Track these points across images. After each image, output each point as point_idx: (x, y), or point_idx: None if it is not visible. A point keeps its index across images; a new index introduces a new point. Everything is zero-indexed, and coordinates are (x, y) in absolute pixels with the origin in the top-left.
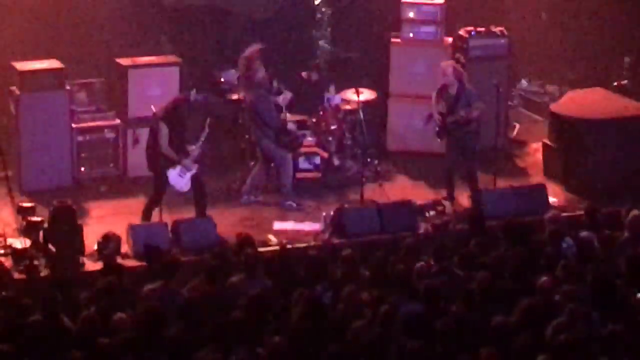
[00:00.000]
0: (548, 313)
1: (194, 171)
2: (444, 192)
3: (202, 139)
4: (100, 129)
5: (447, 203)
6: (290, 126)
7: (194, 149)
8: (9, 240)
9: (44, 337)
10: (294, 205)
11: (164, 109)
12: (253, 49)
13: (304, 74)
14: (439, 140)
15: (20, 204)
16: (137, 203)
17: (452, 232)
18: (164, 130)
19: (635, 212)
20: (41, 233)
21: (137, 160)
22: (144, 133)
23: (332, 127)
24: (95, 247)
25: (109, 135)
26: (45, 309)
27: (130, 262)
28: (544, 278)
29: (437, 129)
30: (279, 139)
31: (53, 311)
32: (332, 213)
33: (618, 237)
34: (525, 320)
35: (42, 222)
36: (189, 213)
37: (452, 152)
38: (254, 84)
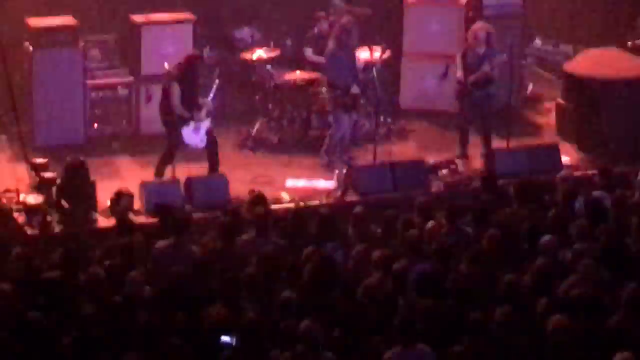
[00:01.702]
0: (559, 272)
1: (207, 125)
2: (456, 151)
3: (213, 91)
4: (113, 86)
5: (460, 161)
6: (354, 89)
7: (206, 102)
8: (22, 197)
9: (61, 293)
10: (326, 159)
11: (177, 67)
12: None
13: (316, 29)
14: (457, 101)
15: (34, 160)
16: (150, 160)
17: (464, 191)
18: (176, 89)
19: None
20: (54, 189)
21: (149, 117)
22: (157, 90)
23: None
24: (108, 203)
25: (122, 92)
26: (63, 265)
27: (143, 219)
28: (547, 237)
29: (457, 90)
30: (338, 97)
31: (70, 267)
32: (345, 171)
33: (630, 197)
34: (538, 281)
35: (55, 178)
36: (202, 170)
37: (469, 112)
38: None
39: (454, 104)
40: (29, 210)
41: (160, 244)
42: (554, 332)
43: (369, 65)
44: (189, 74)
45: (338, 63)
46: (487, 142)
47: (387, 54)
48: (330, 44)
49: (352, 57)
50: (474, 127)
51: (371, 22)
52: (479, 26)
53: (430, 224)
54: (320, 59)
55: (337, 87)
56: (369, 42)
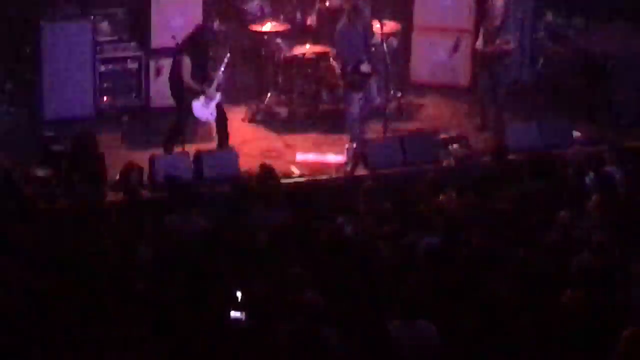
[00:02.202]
0: (571, 247)
1: (217, 99)
2: (467, 125)
3: (224, 65)
4: (122, 59)
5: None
6: (364, 68)
7: (216, 76)
8: (32, 169)
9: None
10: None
11: (186, 39)
12: None
13: (327, 3)
14: (476, 71)
15: (43, 133)
16: (160, 133)
17: (475, 165)
18: (186, 62)
19: None
20: (63, 163)
21: (159, 90)
22: (166, 64)
23: None
24: (117, 177)
25: (132, 65)
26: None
27: (152, 193)
28: (562, 212)
29: (476, 60)
30: (348, 75)
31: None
32: (354, 145)
33: None
34: (549, 255)
35: (64, 151)
36: (211, 144)
37: (486, 84)
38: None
39: (465, 77)
40: (38, 183)
41: (170, 217)
42: (566, 306)
43: (380, 39)
44: (199, 46)
45: (348, 40)
46: (499, 114)
47: (390, 27)
48: (341, 22)
49: (363, 35)
50: (488, 99)
51: None
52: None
53: (440, 197)
54: None
55: (347, 65)
56: (379, 16)
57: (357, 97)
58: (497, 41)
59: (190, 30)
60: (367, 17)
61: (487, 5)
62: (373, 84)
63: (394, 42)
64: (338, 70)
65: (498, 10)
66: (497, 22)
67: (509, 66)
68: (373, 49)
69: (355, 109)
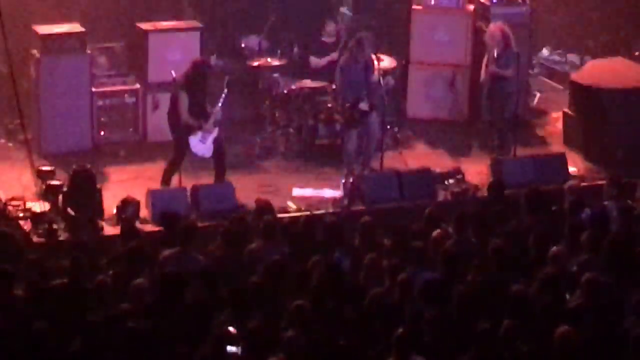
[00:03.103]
0: (565, 282)
1: (215, 134)
2: (463, 160)
3: (222, 100)
4: (120, 93)
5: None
6: (362, 105)
7: (214, 111)
8: (29, 204)
9: (68, 300)
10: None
11: (183, 75)
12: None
13: (324, 38)
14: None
15: (40, 167)
16: (157, 168)
17: (471, 200)
18: (183, 98)
19: None
20: (60, 197)
21: (156, 125)
22: (164, 98)
23: None
24: (114, 211)
25: (129, 99)
26: (70, 272)
27: (149, 227)
28: (556, 247)
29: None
30: (346, 112)
31: (77, 275)
32: (351, 180)
33: (638, 207)
34: (543, 290)
35: (61, 185)
36: (208, 178)
37: (491, 114)
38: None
39: (460, 113)
40: (35, 218)
41: (167, 252)
42: (561, 342)
43: (378, 74)
44: (196, 82)
45: (349, 76)
46: (503, 142)
47: (387, 63)
48: (343, 57)
49: (364, 72)
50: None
51: (378, 30)
52: (494, 26)
53: (435, 232)
54: (323, 61)
55: (346, 101)
56: (376, 51)
57: (354, 133)
58: (495, 67)
59: (188, 67)
60: (369, 54)
61: (485, 37)
62: (374, 120)
63: (391, 81)
64: (337, 106)
65: (494, 40)
66: (495, 51)
67: (510, 96)
68: (373, 86)
69: (352, 145)
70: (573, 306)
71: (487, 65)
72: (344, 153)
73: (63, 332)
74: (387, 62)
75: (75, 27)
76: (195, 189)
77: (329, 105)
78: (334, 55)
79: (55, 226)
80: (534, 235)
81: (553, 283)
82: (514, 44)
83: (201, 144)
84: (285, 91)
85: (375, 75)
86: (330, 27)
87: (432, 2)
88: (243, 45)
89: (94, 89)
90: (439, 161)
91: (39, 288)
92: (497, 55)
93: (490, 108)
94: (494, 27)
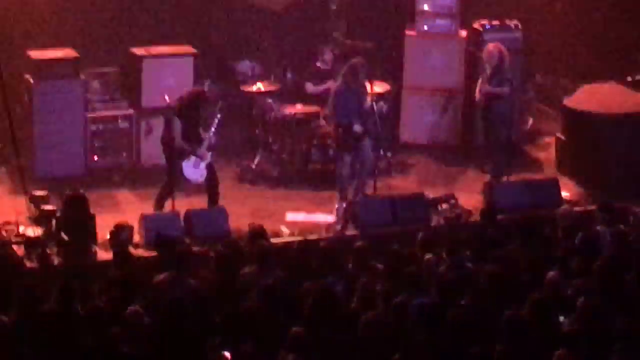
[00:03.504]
0: (559, 307)
1: (208, 159)
2: (455, 185)
3: (215, 125)
4: (114, 118)
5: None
6: (356, 128)
7: (207, 136)
8: (22, 229)
9: (60, 325)
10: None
11: (178, 101)
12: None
13: (318, 63)
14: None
15: (33, 192)
16: (150, 193)
17: (464, 225)
18: (177, 124)
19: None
20: (54, 222)
21: (150, 150)
22: (157, 123)
23: None
24: (108, 236)
25: (123, 124)
26: (62, 298)
27: (142, 252)
28: (552, 273)
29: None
30: (340, 136)
31: (69, 300)
32: (344, 205)
33: (630, 232)
34: (536, 314)
35: (54, 210)
36: (202, 203)
37: (486, 136)
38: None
39: (454, 137)
40: (28, 242)
41: (161, 276)
42: None
43: (370, 99)
44: (190, 109)
45: (343, 102)
46: (496, 167)
47: (380, 88)
48: (337, 82)
49: (358, 97)
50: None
51: (372, 55)
52: (493, 45)
53: (428, 257)
54: (319, 88)
55: (340, 126)
56: (370, 76)
57: (348, 158)
58: (489, 87)
59: (182, 93)
60: (362, 79)
61: (482, 54)
62: (367, 145)
63: (384, 107)
64: (329, 130)
65: (492, 58)
66: (489, 71)
67: (504, 117)
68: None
69: (345, 169)
70: (568, 331)
71: (481, 87)
72: (338, 178)
73: (54, 357)
74: (380, 87)
75: (68, 52)
76: (188, 214)
77: (323, 130)
78: (330, 84)
79: (48, 251)
80: (526, 261)
81: (544, 307)
82: (507, 66)
83: (194, 169)
84: (278, 116)
85: (369, 101)
86: (327, 54)
87: (426, 28)
88: (236, 70)
89: (87, 114)
90: (432, 186)
91: (31, 313)
92: (490, 74)
93: (485, 129)
94: (492, 46)
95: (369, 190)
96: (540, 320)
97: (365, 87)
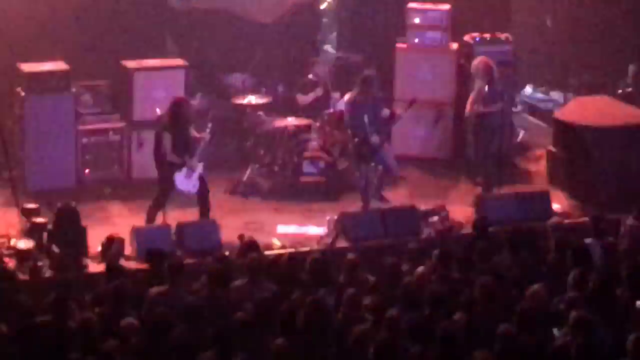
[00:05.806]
0: (550, 320)
1: (200, 170)
2: (446, 197)
3: (206, 137)
4: (105, 131)
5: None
6: (374, 139)
7: (198, 149)
8: (13, 242)
9: (51, 338)
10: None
11: (165, 114)
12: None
13: (309, 76)
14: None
15: (25, 205)
16: (141, 205)
17: (455, 237)
18: (167, 137)
19: (630, 220)
20: (45, 234)
21: (141, 162)
22: (148, 136)
23: (337, 132)
24: (99, 249)
25: (114, 137)
26: (53, 311)
27: (134, 265)
28: (535, 285)
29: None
30: (356, 147)
31: (60, 313)
32: (335, 217)
33: (620, 244)
34: (523, 327)
35: (46, 223)
36: (193, 215)
37: (476, 150)
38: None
39: (445, 151)
40: (19, 255)
41: (154, 290)
42: None
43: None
44: (178, 120)
45: (358, 112)
46: (487, 179)
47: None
48: (352, 93)
49: (373, 106)
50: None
51: (362, 68)
52: (476, 60)
53: (419, 270)
54: (309, 98)
55: (356, 137)
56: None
57: (365, 168)
58: (482, 108)
59: (168, 106)
60: (376, 88)
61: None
62: (388, 153)
63: (386, 111)
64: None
65: (479, 72)
66: (478, 85)
67: (495, 131)
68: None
69: (362, 181)
70: (560, 344)
71: (473, 102)
72: (359, 188)
73: None
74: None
75: (60, 65)
76: (179, 227)
77: (314, 142)
78: (318, 91)
79: (39, 264)
80: (517, 273)
81: (532, 320)
82: (496, 79)
83: (186, 180)
84: (269, 129)
85: (386, 110)
86: (319, 67)
87: (416, 41)
88: (228, 83)
89: (78, 127)
90: (423, 198)
91: (22, 326)
92: (485, 94)
93: (475, 144)
94: (477, 61)
95: (361, 203)
96: (528, 333)
97: (380, 98)
